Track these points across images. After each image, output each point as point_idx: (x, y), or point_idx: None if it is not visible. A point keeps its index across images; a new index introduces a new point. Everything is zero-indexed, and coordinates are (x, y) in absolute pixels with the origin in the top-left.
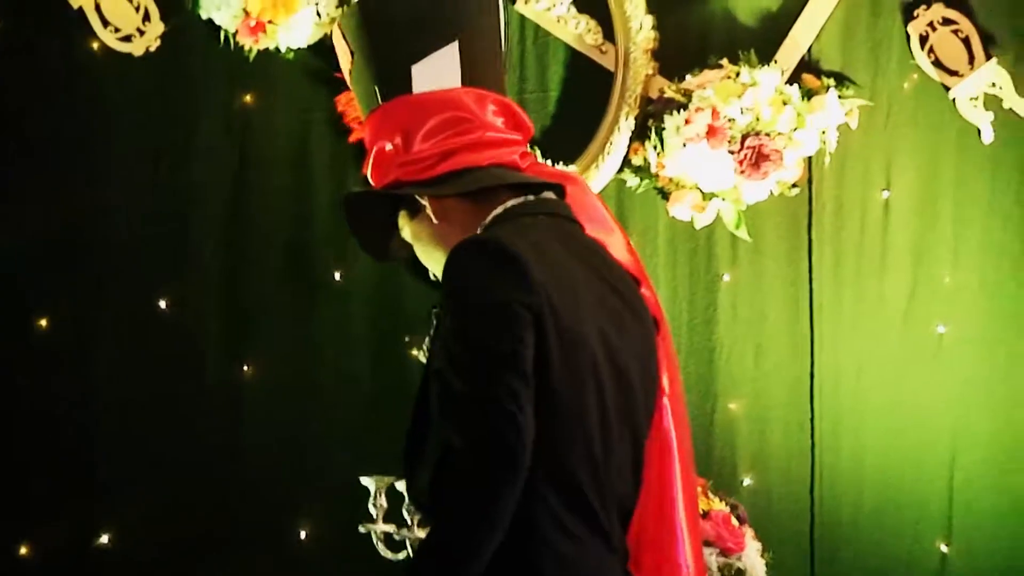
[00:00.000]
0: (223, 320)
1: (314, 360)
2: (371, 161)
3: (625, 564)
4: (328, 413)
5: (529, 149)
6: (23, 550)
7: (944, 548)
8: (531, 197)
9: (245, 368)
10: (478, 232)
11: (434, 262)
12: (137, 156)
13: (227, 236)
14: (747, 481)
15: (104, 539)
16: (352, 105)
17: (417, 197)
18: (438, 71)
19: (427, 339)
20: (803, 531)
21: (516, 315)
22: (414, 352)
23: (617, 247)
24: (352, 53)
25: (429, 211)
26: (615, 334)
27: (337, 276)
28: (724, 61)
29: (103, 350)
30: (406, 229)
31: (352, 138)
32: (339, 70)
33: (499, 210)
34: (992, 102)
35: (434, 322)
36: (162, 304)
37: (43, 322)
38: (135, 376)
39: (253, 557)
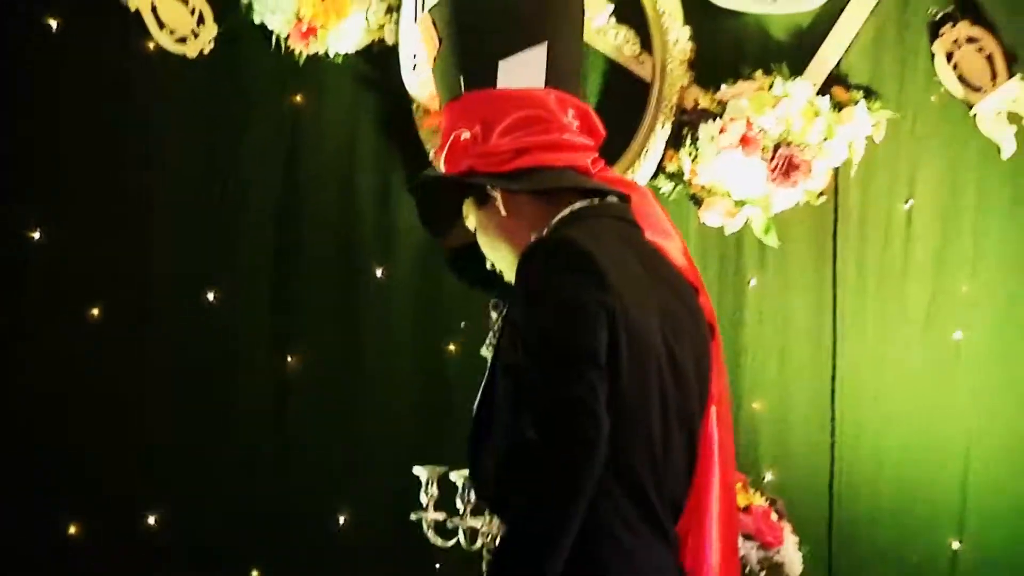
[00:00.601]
0: (269, 313)
1: (356, 354)
2: (447, 147)
3: (678, 557)
4: (369, 405)
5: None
6: (72, 530)
7: (956, 545)
8: (596, 201)
9: (290, 359)
10: (544, 231)
11: (496, 253)
12: (190, 154)
13: (274, 232)
14: (768, 477)
15: (151, 520)
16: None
17: (489, 189)
18: (524, 70)
19: (490, 335)
20: (821, 526)
21: (594, 314)
22: (451, 348)
23: (675, 253)
24: (440, 40)
25: (499, 203)
26: (675, 337)
27: (380, 273)
28: (758, 73)
29: (153, 339)
30: (472, 217)
31: (427, 124)
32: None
33: (566, 212)
34: (1014, 118)
35: (494, 317)
36: (210, 296)
37: (96, 311)
38: (183, 365)
39: (294, 541)
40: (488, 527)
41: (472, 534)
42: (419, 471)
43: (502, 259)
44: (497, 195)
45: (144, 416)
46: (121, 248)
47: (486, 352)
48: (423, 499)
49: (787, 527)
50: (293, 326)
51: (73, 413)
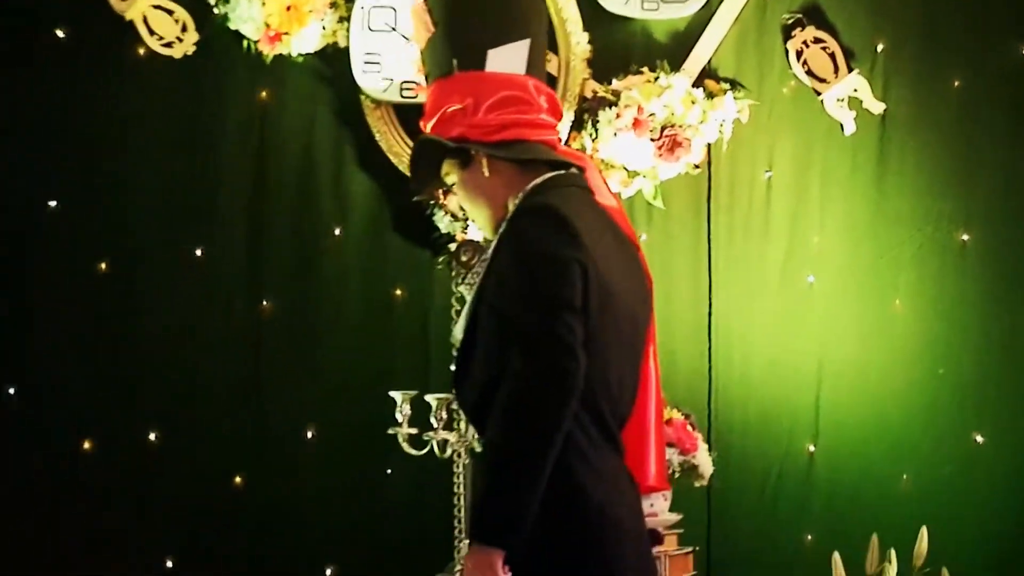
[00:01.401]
0: (247, 266)
1: (319, 299)
2: (438, 117)
3: (623, 461)
4: (330, 341)
5: None
6: (87, 445)
7: (812, 448)
8: (562, 172)
9: (264, 304)
10: (519, 194)
11: (474, 208)
12: (178, 137)
13: (249, 200)
14: None
15: (152, 436)
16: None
17: (475, 153)
18: (509, 58)
19: (468, 275)
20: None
21: (572, 269)
22: (397, 292)
23: (617, 215)
24: (435, 25)
25: (484, 168)
26: (628, 285)
27: (337, 232)
28: (645, 69)
29: (151, 289)
30: (454, 175)
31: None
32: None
33: (538, 180)
34: (854, 103)
35: (464, 259)
36: (197, 252)
37: (103, 265)
38: (176, 310)
39: (270, 453)
40: (457, 440)
41: (442, 444)
42: (394, 394)
43: (479, 214)
44: (483, 160)
45: (144, 352)
46: (123, 214)
47: (464, 290)
48: (398, 417)
49: (699, 436)
50: (266, 277)
51: (86, 350)
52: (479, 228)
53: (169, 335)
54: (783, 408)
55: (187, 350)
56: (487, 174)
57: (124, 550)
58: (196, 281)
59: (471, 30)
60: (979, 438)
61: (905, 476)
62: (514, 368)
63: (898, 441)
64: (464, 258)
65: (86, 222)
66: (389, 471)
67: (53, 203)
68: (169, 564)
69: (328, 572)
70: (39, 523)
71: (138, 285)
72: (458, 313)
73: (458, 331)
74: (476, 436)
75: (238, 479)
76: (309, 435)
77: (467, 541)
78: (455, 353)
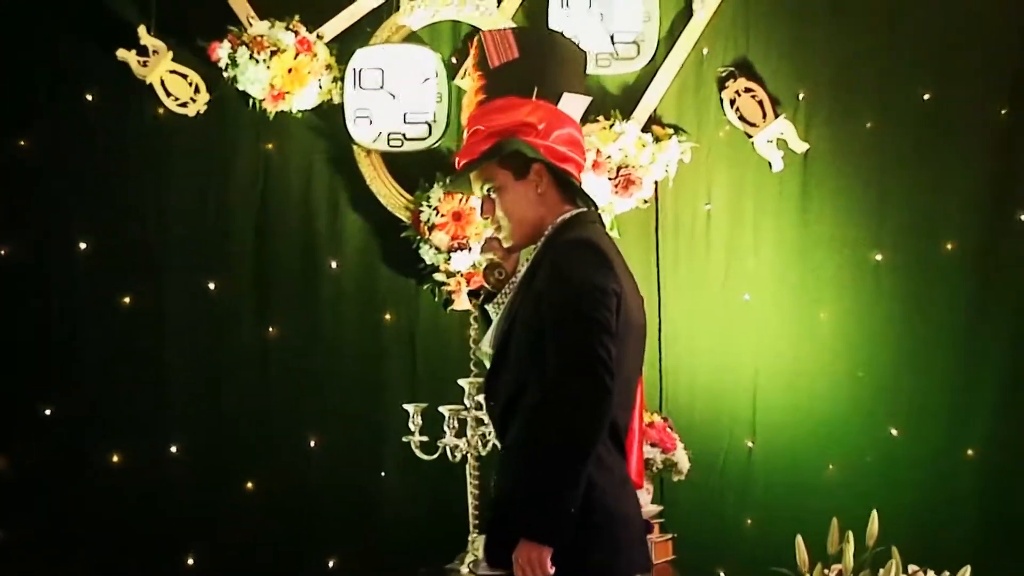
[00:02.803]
0: (254, 298)
1: (317, 325)
2: (512, 127)
3: (627, 464)
4: (326, 363)
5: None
6: (115, 458)
7: (750, 444)
8: (587, 209)
9: (270, 330)
10: (549, 222)
11: (509, 217)
12: (191, 186)
13: (254, 239)
14: None
15: (173, 448)
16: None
17: (534, 171)
18: (574, 106)
19: (501, 296)
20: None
21: (611, 297)
22: (386, 318)
23: None
24: (519, 53)
25: (540, 184)
26: (635, 304)
27: (334, 265)
28: (600, 117)
29: (170, 319)
30: (500, 182)
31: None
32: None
33: (573, 212)
34: (780, 144)
35: (492, 280)
36: (211, 286)
37: (127, 299)
38: (193, 336)
39: (277, 460)
40: (466, 446)
41: (452, 450)
42: (408, 407)
43: (512, 225)
44: (543, 178)
45: (165, 375)
46: (144, 254)
47: (491, 308)
48: (411, 427)
49: (676, 436)
50: (272, 306)
51: (114, 374)
52: (504, 237)
53: (187, 359)
54: (725, 409)
55: (203, 372)
56: (540, 191)
57: (149, 549)
58: (210, 311)
59: (554, 69)
60: (894, 431)
61: (831, 466)
62: (559, 383)
63: (824, 435)
64: (493, 279)
65: (112, 260)
66: (383, 474)
67: (83, 245)
68: (190, 561)
69: (330, 563)
70: (74, 527)
71: (159, 315)
72: (478, 326)
73: (486, 344)
74: (496, 436)
75: (250, 484)
76: (312, 444)
77: (474, 535)
78: (486, 363)
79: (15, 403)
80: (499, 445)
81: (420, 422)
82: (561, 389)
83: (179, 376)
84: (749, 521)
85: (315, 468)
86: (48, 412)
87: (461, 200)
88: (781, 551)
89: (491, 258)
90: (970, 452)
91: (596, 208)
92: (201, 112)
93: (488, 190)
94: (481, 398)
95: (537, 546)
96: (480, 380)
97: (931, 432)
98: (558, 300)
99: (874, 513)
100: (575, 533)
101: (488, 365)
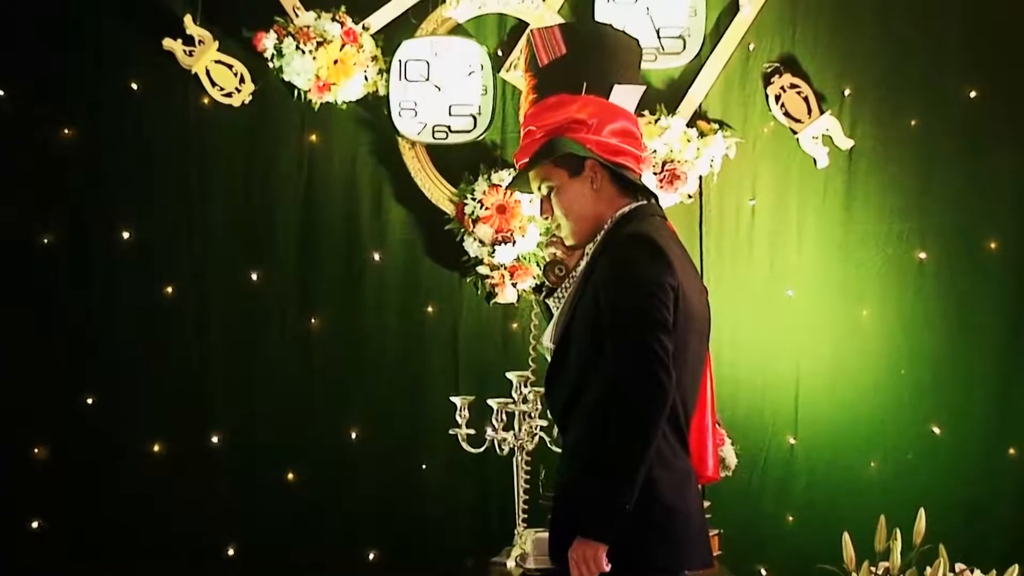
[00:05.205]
0: (297, 287)
1: (360, 314)
2: (563, 125)
3: (690, 458)
4: (369, 352)
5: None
6: (156, 447)
7: (792, 441)
8: (647, 202)
9: (312, 320)
10: (608, 217)
11: (566, 215)
12: (235, 176)
13: (298, 230)
14: None
15: (215, 439)
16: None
17: (588, 166)
18: (628, 97)
19: (561, 291)
20: None
21: (669, 293)
22: (428, 309)
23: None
24: (567, 50)
25: (596, 180)
26: (697, 299)
27: (377, 257)
28: (646, 112)
29: (213, 308)
30: (555, 181)
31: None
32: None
33: (631, 207)
34: (825, 140)
35: (553, 277)
36: (254, 276)
37: (170, 289)
38: (235, 326)
39: (317, 451)
40: (514, 439)
41: (500, 444)
42: (455, 399)
43: (570, 222)
44: (598, 174)
45: (206, 365)
46: (188, 243)
47: (552, 303)
48: (459, 419)
49: (724, 432)
50: (315, 296)
51: (156, 364)
52: (564, 235)
53: (229, 349)
54: (767, 406)
55: (245, 362)
56: (595, 188)
57: (190, 540)
58: (253, 301)
59: (603, 62)
60: (936, 429)
61: (873, 463)
62: (616, 380)
63: (866, 433)
64: (553, 276)
65: (155, 250)
66: (424, 466)
67: (126, 234)
68: (231, 552)
69: (370, 556)
70: (114, 517)
71: (202, 305)
72: (538, 321)
73: (547, 339)
74: (558, 431)
75: (290, 475)
76: (353, 435)
77: (520, 527)
78: (547, 357)
79: (56, 392)
80: (559, 439)
81: (467, 415)
82: (618, 388)
83: (220, 367)
84: (790, 518)
85: (355, 460)
86: (89, 401)
87: (505, 193)
88: (822, 548)
89: (554, 253)
90: (1012, 451)
91: (656, 200)
92: (246, 102)
93: (546, 190)
94: (528, 392)
95: (592, 543)
96: (527, 374)
97: (973, 430)
98: (614, 297)
99: (921, 511)
100: (633, 529)
101: (549, 360)
